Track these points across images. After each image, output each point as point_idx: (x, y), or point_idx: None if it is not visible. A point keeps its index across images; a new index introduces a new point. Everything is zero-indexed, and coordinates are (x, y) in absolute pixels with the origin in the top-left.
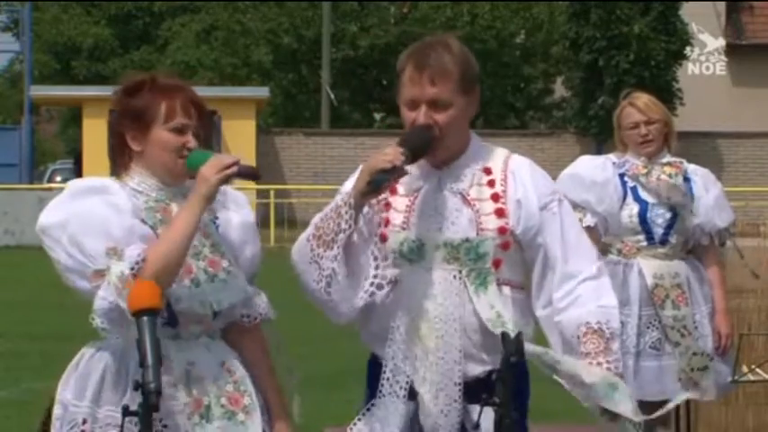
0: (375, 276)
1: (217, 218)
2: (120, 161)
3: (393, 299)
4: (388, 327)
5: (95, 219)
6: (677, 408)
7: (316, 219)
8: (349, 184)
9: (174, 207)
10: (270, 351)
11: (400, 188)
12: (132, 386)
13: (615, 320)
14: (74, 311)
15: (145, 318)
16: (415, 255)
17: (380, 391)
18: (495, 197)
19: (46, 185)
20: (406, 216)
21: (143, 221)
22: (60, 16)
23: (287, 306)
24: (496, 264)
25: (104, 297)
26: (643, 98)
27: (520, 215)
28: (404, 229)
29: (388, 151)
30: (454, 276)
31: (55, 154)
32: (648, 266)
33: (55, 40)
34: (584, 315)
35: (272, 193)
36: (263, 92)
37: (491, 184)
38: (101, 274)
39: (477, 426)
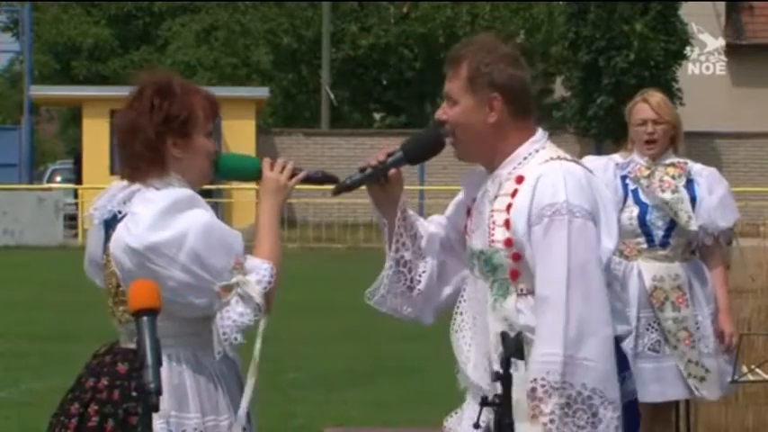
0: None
1: None
2: (153, 166)
3: (460, 305)
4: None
5: (213, 232)
6: (677, 408)
7: None
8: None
9: None
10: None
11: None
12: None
13: (554, 373)
14: (74, 312)
15: (145, 318)
16: (470, 263)
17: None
18: (509, 207)
19: (46, 186)
20: (470, 224)
21: None
22: (60, 16)
23: (287, 306)
24: (513, 275)
25: (245, 313)
26: (657, 97)
27: (516, 227)
28: (467, 237)
29: (378, 152)
30: (489, 286)
31: (55, 154)
32: (648, 269)
33: (55, 40)
34: (530, 371)
35: None
36: (262, 92)
37: (514, 193)
38: (229, 289)
39: (476, 425)
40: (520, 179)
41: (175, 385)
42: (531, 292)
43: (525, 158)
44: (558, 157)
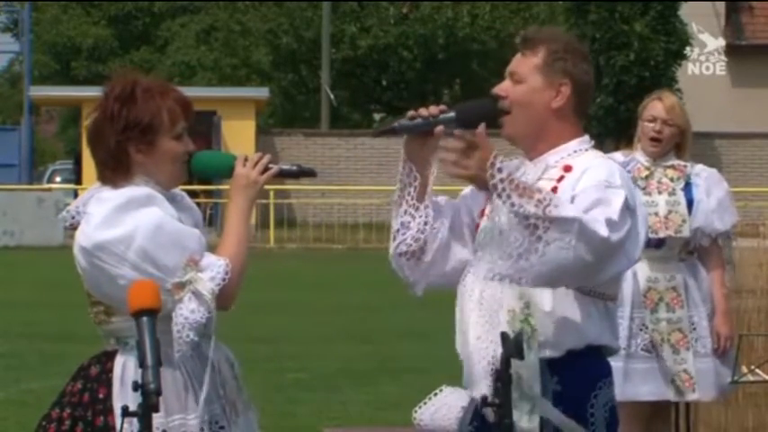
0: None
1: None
2: (117, 172)
3: (462, 285)
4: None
5: (164, 229)
6: (677, 408)
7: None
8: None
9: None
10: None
11: None
12: (132, 387)
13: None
14: (73, 312)
15: (144, 318)
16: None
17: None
18: (554, 190)
19: (45, 186)
20: (491, 207)
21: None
22: (60, 17)
23: (287, 307)
24: None
25: (196, 310)
26: (672, 99)
27: None
28: (488, 218)
29: (430, 107)
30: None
31: (54, 154)
32: (643, 269)
33: (54, 40)
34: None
35: (271, 193)
36: (262, 92)
37: (560, 179)
38: (182, 286)
39: (471, 422)
40: (568, 168)
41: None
42: None
43: (575, 152)
44: (609, 157)
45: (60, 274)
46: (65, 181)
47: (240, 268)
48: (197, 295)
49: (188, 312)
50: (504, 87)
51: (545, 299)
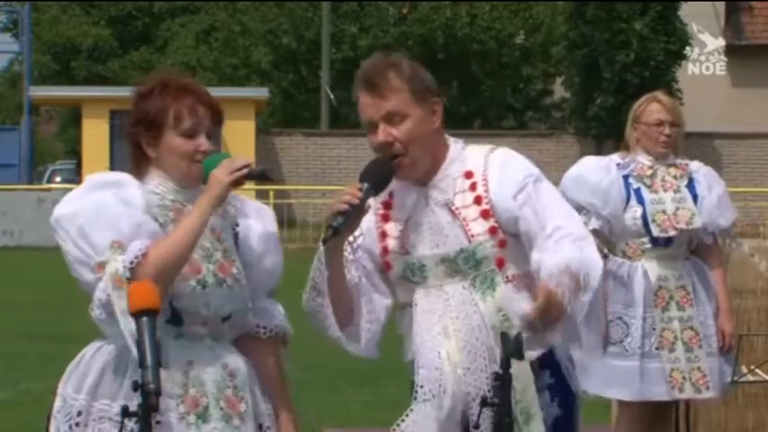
0: (369, 312)
1: (237, 224)
2: (137, 166)
3: (415, 321)
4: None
5: (105, 211)
6: (677, 408)
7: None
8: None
9: (190, 209)
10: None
11: (393, 213)
12: (131, 386)
13: (596, 274)
14: (73, 312)
15: (145, 318)
16: (419, 276)
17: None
18: (478, 200)
19: (45, 186)
20: (402, 240)
21: (154, 219)
22: (60, 17)
23: (286, 307)
24: (500, 263)
25: (104, 289)
26: (670, 98)
27: (498, 210)
28: (402, 254)
29: (346, 191)
30: (463, 287)
31: (54, 154)
32: (653, 268)
33: (54, 40)
34: (564, 259)
35: (271, 193)
36: (262, 92)
37: (473, 187)
38: (104, 266)
39: (477, 426)
40: (469, 174)
41: (85, 363)
42: (517, 275)
43: (463, 156)
44: (494, 147)
45: (60, 274)
46: (65, 181)
47: (165, 254)
48: (109, 275)
49: (99, 291)
50: (386, 133)
51: (521, 303)
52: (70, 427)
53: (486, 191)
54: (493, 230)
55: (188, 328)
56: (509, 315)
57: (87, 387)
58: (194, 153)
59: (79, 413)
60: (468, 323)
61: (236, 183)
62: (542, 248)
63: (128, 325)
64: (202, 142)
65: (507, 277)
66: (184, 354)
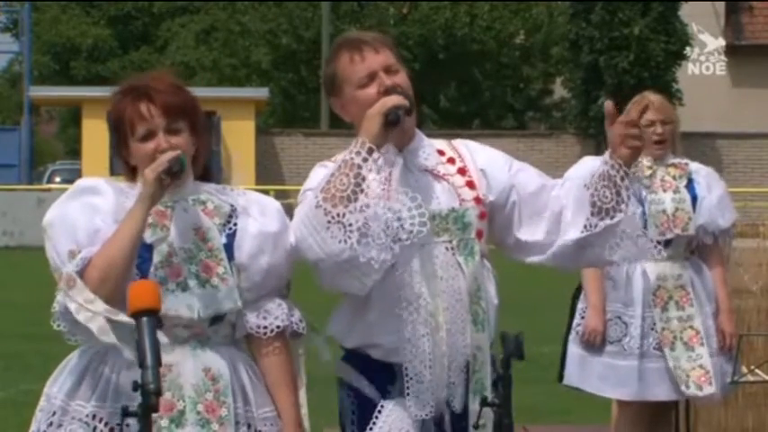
0: (411, 216)
1: (235, 224)
2: (126, 169)
3: (395, 281)
4: (390, 312)
5: (67, 220)
6: (677, 408)
7: (316, 189)
8: (312, 183)
9: (174, 210)
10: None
11: (371, 174)
12: (131, 387)
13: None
14: None
15: (144, 318)
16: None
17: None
18: (462, 171)
19: (45, 186)
20: (386, 199)
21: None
22: (59, 17)
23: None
24: (479, 234)
25: (59, 300)
26: (659, 97)
27: (488, 183)
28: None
29: (393, 96)
30: (446, 248)
31: (54, 154)
32: (652, 268)
33: (54, 40)
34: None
35: (271, 193)
36: (262, 92)
37: (451, 161)
38: (60, 276)
39: (477, 426)
40: (441, 152)
41: (70, 363)
42: (484, 255)
43: (423, 139)
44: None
45: None
46: (64, 181)
47: (104, 258)
48: (63, 282)
49: (55, 304)
50: (391, 81)
51: (488, 283)
52: (48, 425)
53: (465, 165)
54: (478, 200)
55: (168, 330)
56: (480, 286)
57: (66, 388)
58: (153, 154)
59: (55, 413)
60: (452, 284)
61: (159, 178)
62: (556, 186)
63: (98, 307)
64: (160, 142)
65: (482, 251)
66: (163, 357)
